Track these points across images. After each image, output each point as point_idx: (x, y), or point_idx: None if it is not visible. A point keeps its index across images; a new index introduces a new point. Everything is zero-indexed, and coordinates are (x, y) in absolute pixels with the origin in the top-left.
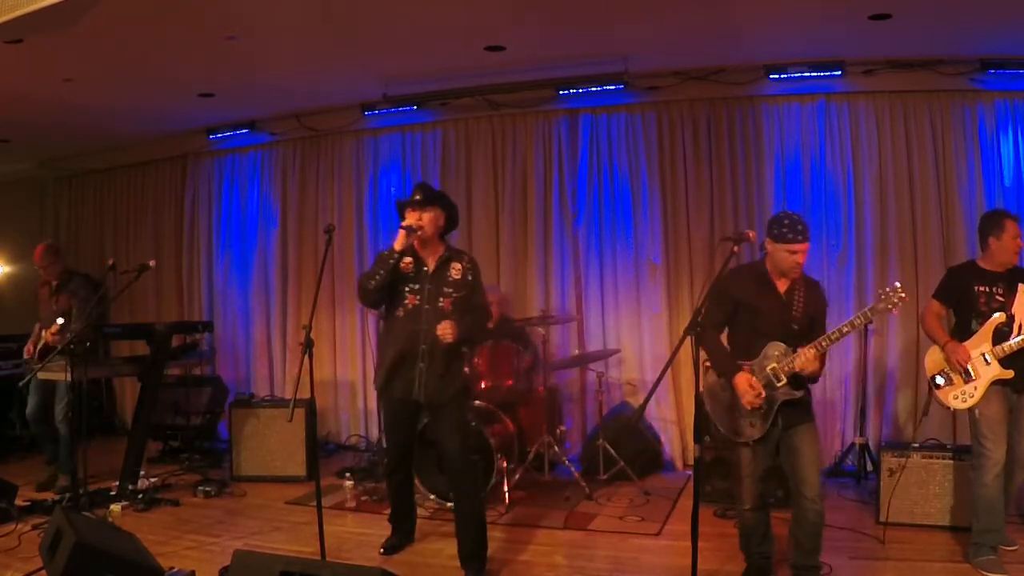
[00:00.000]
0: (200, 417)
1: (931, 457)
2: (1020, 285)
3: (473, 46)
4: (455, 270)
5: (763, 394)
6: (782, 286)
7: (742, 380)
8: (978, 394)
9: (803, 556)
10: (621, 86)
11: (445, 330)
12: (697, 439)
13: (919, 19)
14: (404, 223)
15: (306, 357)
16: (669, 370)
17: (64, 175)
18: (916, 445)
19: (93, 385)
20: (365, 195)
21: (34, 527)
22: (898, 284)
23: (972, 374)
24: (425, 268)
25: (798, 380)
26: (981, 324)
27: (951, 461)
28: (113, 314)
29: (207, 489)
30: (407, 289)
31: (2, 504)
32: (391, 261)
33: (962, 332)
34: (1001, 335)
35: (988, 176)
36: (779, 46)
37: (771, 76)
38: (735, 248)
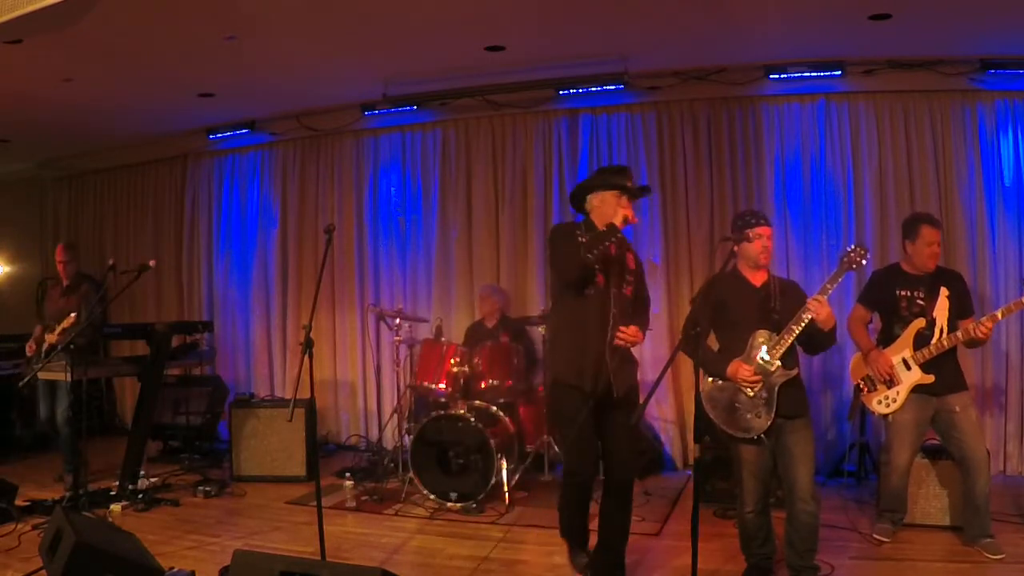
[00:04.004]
0: (200, 417)
1: (931, 457)
2: (942, 288)
3: (473, 46)
4: (630, 259)
5: (759, 377)
6: (756, 281)
7: (733, 367)
8: (900, 399)
9: (799, 557)
10: (621, 86)
11: (633, 335)
12: (697, 439)
13: (919, 19)
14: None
15: (306, 357)
16: (669, 370)
17: (64, 175)
18: None
19: (92, 384)
20: (365, 195)
21: (34, 527)
22: (852, 246)
23: (894, 379)
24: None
25: (789, 359)
26: (903, 329)
27: (950, 461)
28: (113, 314)
29: (207, 489)
30: (596, 267)
31: (2, 504)
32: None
33: (887, 337)
34: (922, 340)
35: (988, 176)
36: (779, 46)
37: (771, 76)
38: (735, 248)
